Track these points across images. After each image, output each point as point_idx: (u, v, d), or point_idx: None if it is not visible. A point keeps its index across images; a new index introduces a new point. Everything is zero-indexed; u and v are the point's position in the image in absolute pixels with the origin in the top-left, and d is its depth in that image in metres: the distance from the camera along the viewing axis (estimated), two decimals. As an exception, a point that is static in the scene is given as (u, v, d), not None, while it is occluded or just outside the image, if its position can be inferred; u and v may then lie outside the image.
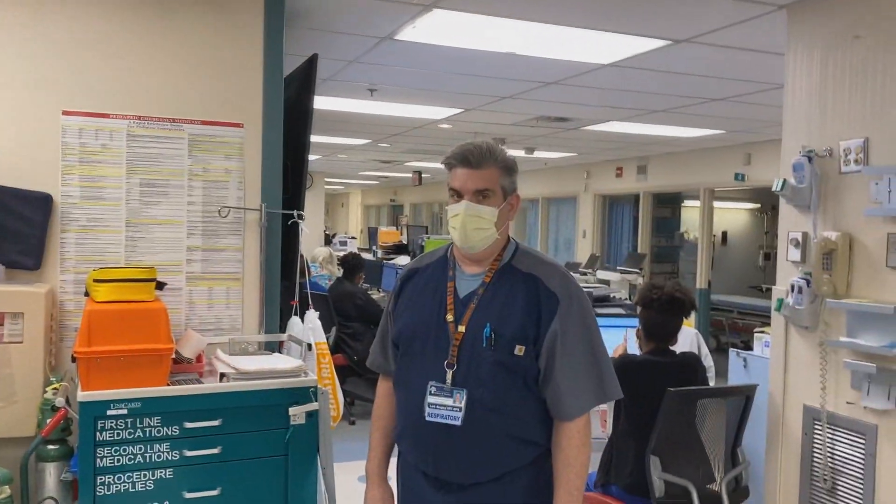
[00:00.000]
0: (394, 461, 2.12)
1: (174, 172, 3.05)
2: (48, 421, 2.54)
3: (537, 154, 10.18)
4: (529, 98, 6.06)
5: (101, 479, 2.43)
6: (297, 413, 2.63)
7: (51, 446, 2.60)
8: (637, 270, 9.15)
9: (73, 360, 2.51)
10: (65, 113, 2.91)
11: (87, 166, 2.94)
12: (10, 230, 2.78)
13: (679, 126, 7.34)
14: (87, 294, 2.75)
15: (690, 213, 11.01)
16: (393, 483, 2.12)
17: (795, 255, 2.81)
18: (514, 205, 1.97)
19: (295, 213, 3.21)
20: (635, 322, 3.28)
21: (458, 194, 1.91)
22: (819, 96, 2.76)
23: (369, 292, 7.43)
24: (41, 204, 2.83)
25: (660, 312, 3.09)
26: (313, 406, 2.66)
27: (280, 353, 3.12)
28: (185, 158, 3.06)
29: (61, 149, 2.90)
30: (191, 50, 3.05)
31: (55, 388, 2.63)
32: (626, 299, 6.22)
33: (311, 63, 3.37)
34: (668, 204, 11.16)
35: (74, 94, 2.92)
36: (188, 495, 2.52)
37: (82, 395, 2.42)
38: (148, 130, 3.00)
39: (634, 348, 3.31)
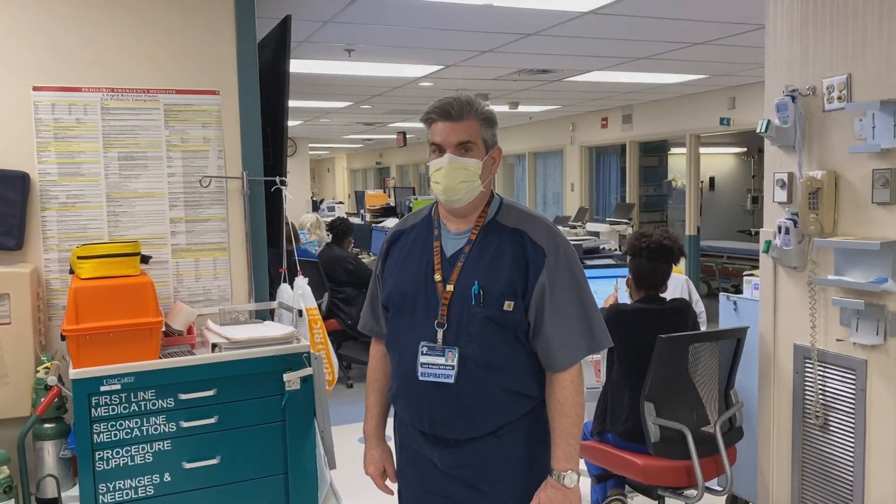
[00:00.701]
0: (391, 421, 2.14)
1: (152, 144, 3.00)
2: (42, 400, 2.53)
3: (522, 108, 10.10)
4: (510, 51, 5.99)
5: (99, 454, 2.44)
6: (291, 379, 2.63)
7: (47, 425, 2.60)
8: (626, 221, 9.16)
9: (63, 338, 2.49)
10: (35, 89, 2.84)
11: (63, 142, 2.88)
12: (-12, 211, 2.74)
13: (662, 73, 7.28)
14: (72, 271, 2.73)
15: (677, 160, 10.99)
16: (392, 443, 2.14)
17: (782, 195, 2.80)
18: (496, 158, 1.96)
19: (277, 179, 3.17)
20: (626, 272, 3.29)
21: (439, 149, 1.89)
22: (801, 34, 2.73)
23: (359, 256, 7.41)
24: (18, 183, 2.78)
25: (649, 260, 3.10)
26: (307, 371, 2.66)
27: (271, 321, 3.11)
28: (162, 129, 3.01)
29: (34, 126, 2.85)
30: (161, 18, 2.98)
31: (47, 367, 2.62)
32: (615, 250, 6.22)
33: (285, 25, 3.29)
34: (655, 152, 11.13)
35: (44, 68, 2.85)
36: (187, 465, 2.53)
37: (74, 373, 2.42)
38: (122, 102, 2.95)
39: (625, 297, 3.32)
